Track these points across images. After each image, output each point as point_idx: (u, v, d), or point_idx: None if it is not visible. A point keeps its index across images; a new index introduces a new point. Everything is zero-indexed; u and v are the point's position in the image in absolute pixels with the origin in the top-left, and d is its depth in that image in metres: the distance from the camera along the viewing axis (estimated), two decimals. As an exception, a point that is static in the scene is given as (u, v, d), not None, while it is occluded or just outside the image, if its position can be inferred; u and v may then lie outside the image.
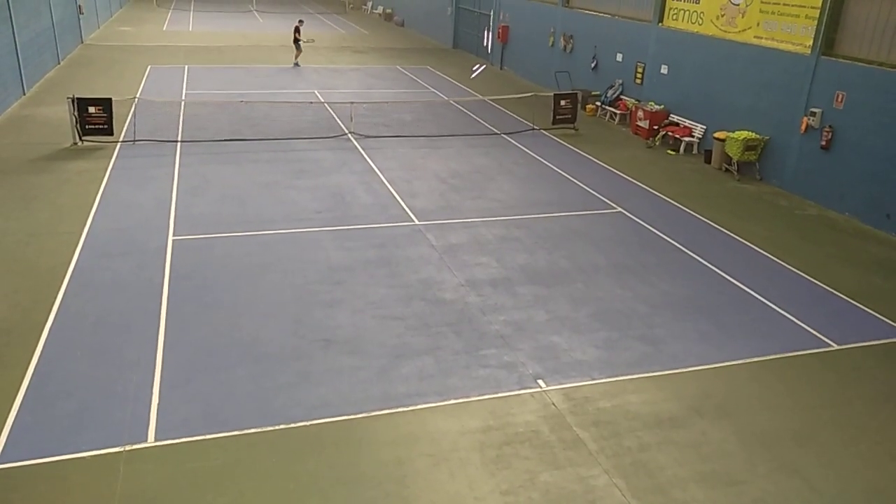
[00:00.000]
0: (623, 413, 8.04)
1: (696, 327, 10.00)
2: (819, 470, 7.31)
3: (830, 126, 15.08)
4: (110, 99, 17.17)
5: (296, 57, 30.36)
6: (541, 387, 8.44)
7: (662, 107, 20.37)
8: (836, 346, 9.68)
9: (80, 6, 31.54)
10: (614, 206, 14.71)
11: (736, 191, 16.22)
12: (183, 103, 21.25)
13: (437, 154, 17.82)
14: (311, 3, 64.02)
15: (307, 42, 31.19)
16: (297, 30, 30.19)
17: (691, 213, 14.54)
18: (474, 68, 29.90)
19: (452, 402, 8.07)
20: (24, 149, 16.47)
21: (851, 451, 7.62)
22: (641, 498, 6.79)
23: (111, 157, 16.18)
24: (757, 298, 10.94)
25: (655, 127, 20.03)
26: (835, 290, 11.39)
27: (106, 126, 17.08)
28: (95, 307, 9.67)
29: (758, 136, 16.78)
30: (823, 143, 15.22)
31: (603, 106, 23.02)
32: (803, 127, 15.70)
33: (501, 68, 31.33)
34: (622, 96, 22.57)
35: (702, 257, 12.33)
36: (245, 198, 14.05)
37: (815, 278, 11.77)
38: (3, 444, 7.03)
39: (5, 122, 18.67)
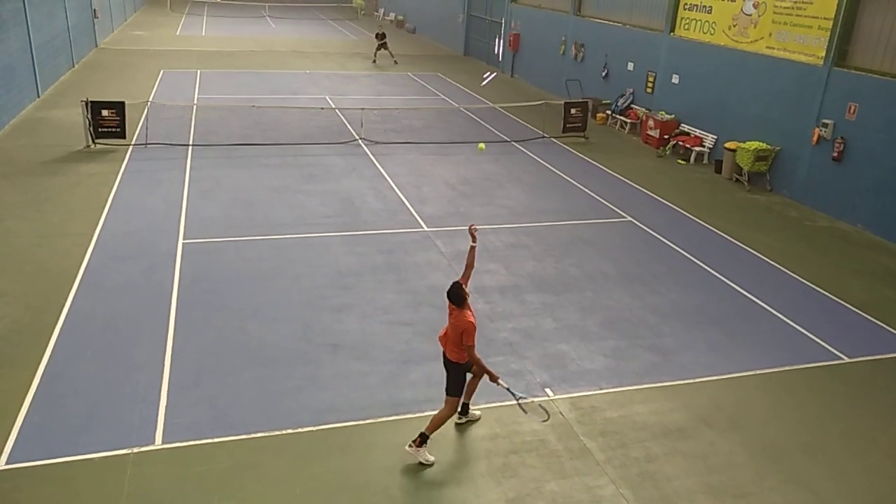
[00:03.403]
0: (631, 423, 8.00)
1: (704, 337, 9.95)
2: (828, 483, 7.25)
3: (842, 137, 15.00)
4: (123, 102, 17.30)
5: (381, 55, 33.34)
6: (548, 395, 8.42)
7: (673, 116, 20.33)
8: (846, 359, 9.61)
9: (94, 10, 31.82)
10: (624, 214, 14.68)
11: (746, 201, 16.16)
12: (195, 107, 21.37)
13: (446, 161, 17.84)
14: (323, 9, 64.34)
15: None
16: (381, 35, 33.63)
17: (701, 222, 14.49)
18: (485, 76, 29.95)
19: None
20: (37, 151, 16.60)
21: (861, 465, 7.55)
22: (648, 509, 6.75)
23: (123, 160, 16.29)
24: (766, 309, 10.88)
25: (666, 136, 20.00)
26: (845, 301, 11.31)
27: (118, 129, 17.20)
28: (105, 309, 9.72)
29: (769, 147, 16.72)
30: (835, 154, 15.15)
31: (613, 115, 23.01)
32: (815, 138, 15.63)
33: (512, 76, 31.37)
34: (633, 105, 22.54)
35: (711, 267, 12.28)
36: (255, 202, 14.11)
37: (825, 290, 11.69)
38: (11, 445, 7.07)
39: (19, 124, 18.83)
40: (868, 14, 14.80)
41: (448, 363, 7.23)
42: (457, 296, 6.98)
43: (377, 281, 11.07)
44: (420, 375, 8.63)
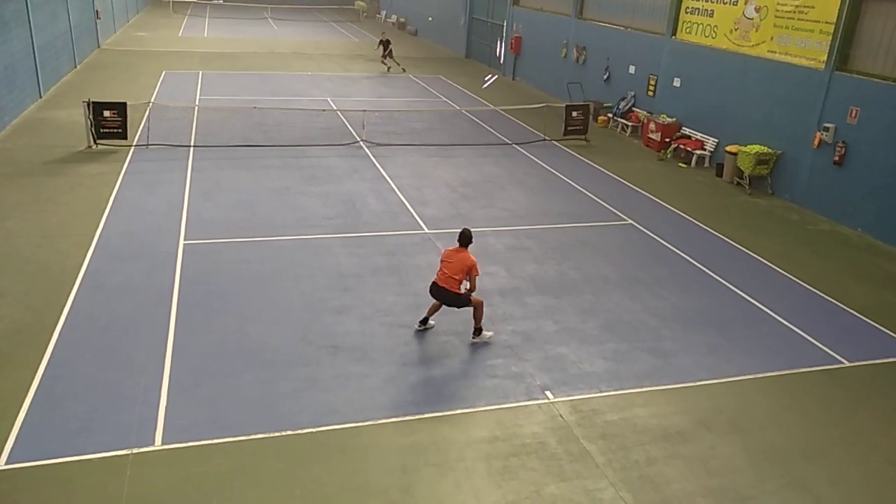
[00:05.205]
0: (631, 426, 8.00)
1: (705, 341, 9.94)
2: (828, 487, 7.24)
3: (844, 141, 15.00)
4: (125, 103, 17.33)
5: (398, 65, 32.14)
6: (548, 398, 8.41)
7: (674, 119, 20.34)
8: (846, 363, 9.60)
9: (97, 11, 31.87)
10: (625, 217, 14.68)
11: (747, 205, 16.16)
12: (196, 109, 21.39)
13: (447, 163, 17.85)
14: (325, 11, 64.43)
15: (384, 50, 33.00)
16: (386, 43, 32.37)
17: (702, 226, 14.48)
18: (486, 78, 29.96)
19: (459, 411, 8.05)
20: (38, 151, 16.61)
21: (861, 469, 7.54)
22: (648, 512, 6.74)
23: (125, 161, 16.30)
24: (767, 313, 10.87)
25: (667, 139, 20.00)
26: (846, 306, 11.30)
27: (120, 130, 17.22)
28: (106, 310, 9.72)
29: (770, 151, 16.72)
30: (836, 158, 15.14)
31: (615, 118, 23.02)
32: (816, 142, 15.63)
33: (514, 79, 31.40)
34: (634, 108, 22.55)
35: (712, 271, 12.28)
36: (256, 203, 14.11)
37: (826, 294, 11.68)
38: (11, 445, 7.07)
39: (21, 125, 18.85)
40: (869, 18, 14.81)
41: (451, 296, 9.17)
42: (467, 237, 9.36)
43: (378, 283, 11.07)
44: (420, 377, 8.63)
